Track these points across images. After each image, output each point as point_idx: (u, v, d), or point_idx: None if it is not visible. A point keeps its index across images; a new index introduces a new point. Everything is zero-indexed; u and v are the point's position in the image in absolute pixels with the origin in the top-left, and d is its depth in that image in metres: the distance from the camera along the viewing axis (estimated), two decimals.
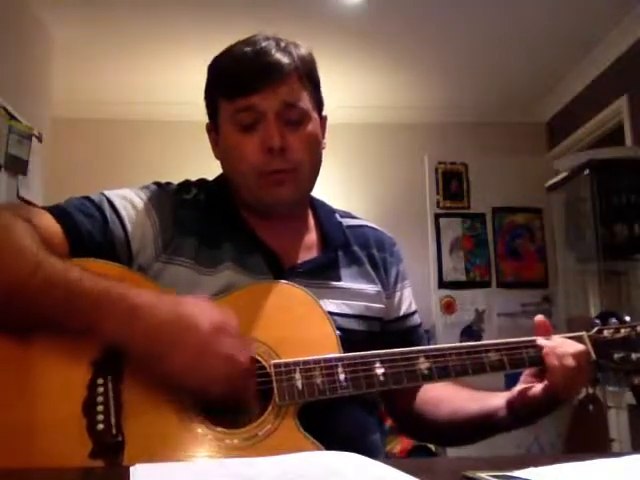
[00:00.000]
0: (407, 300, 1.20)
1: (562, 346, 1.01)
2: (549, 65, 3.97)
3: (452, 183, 4.20)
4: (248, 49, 1.04)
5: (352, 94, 4.32)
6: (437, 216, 4.17)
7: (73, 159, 4.22)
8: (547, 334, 1.05)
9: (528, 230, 4.19)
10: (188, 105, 4.25)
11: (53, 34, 3.49)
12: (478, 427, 1.09)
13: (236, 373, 0.85)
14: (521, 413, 1.03)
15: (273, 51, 1.04)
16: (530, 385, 1.03)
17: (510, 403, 1.04)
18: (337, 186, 4.19)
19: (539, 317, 1.08)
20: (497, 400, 1.07)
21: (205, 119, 1.16)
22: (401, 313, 1.18)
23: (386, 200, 4.43)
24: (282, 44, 1.06)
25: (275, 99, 1.02)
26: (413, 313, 1.21)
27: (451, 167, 4.22)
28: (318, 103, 1.11)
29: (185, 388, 0.85)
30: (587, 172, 3.35)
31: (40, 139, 3.14)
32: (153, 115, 4.45)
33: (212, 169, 1.18)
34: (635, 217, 3.25)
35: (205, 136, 1.17)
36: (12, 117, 2.85)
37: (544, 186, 3.87)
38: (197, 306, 0.87)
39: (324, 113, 1.14)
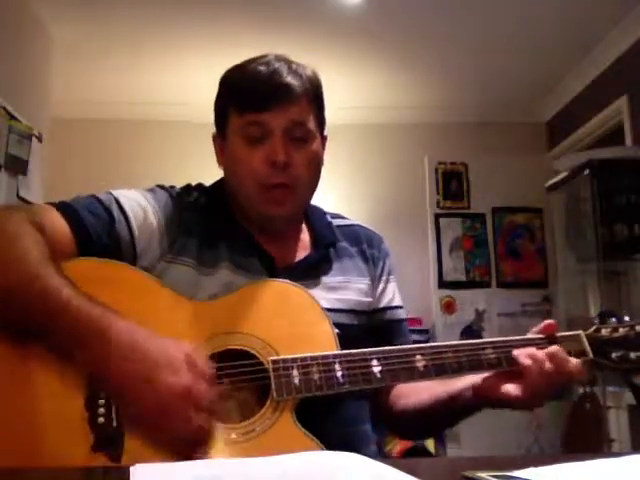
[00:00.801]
0: (390, 293, 1.22)
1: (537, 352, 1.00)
2: (549, 65, 3.97)
3: (452, 183, 4.20)
4: (262, 68, 1.09)
5: (352, 94, 4.32)
6: (437, 216, 4.17)
7: (73, 159, 4.23)
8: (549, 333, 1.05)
9: (528, 230, 4.20)
10: (187, 105, 4.26)
11: (53, 34, 3.49)
12: (443, 411, 1.09)
13: (190, 440, 0.80)
14: (487, 399, 1.03)
15: (285, 73, 1.09)
16: (501, 376, 1.02)
17: (475, 388, 1.04)
18: (338, 186, 4.19)
19: (550, 322, 1.07)
20: (460, 383, 1.07)
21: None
22: (381, 305, 1.20)
23: (386, 200, 4.43)
24: (293, 66, 1.11)
25: (284, 118, 1.07)
26: (396, 307, 1.23)
27: (451, 167, 4.23)
28: (321, 123, 1.16)
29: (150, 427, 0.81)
30: (587, 172, 3.35)
31: (40, 139, 3.15)
32: (153, 115, 4.45)
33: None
34: (635, 217, 3.25)
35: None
36: (12, 117, 2.86)
37: (544, 186, 3.87)
38: (171, 359, 0.81)
39: (325, 133, 1.19)
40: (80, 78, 4.06)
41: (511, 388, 1.00)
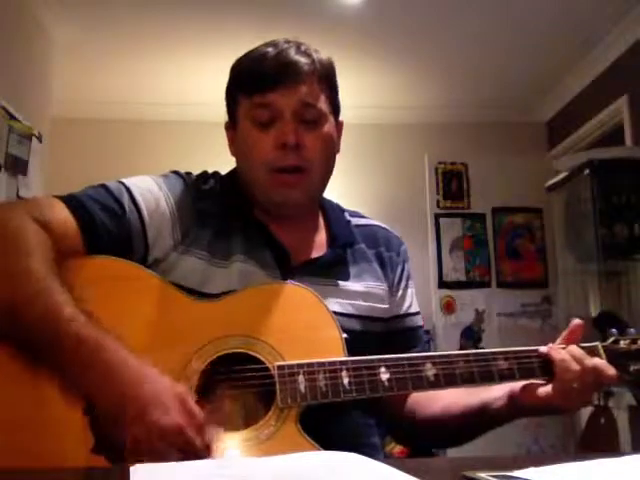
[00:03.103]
0: (408, 300, 1.19)
1: (572, 352, 0.99)
2: (549, 65, 3.96)
3: (452, 183, 4.20)
4: (269, 49, 1.06)
5: (352, 94, 4.32)
6: (437, 216, 4.17)
7: (73, 159, 4.22)
8: (572, 341, 1.03)
9: (528, 230, 4.20)
10: (188, 106, 4.25)
11: (53, 34, 3.48)
12: (473, 420, 1.06)
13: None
14: (523, 407, 1.02)
15: (293, 52, 1.06)
16: (539, 382, 1.01)
17: (512, 396, 1.02)
18: (337, 186, 4.18)
19: (577, 321, 1.05)
20: (494, 392, 1.05)
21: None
22: (401, 312, 1.17)
23: (386, 200, 4.43)
24: (303, 47, 1.08)
25: (292, 98, 1.04)
26: (414, 314, 1.20)
27: (451, 167, 4.22)
28: (335, 107, 1.12)
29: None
30: (587, 172, 3.35)
31: (40, 139, 3.14)
32: (153, 115, 4.44)
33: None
34: (635, 217, 3.25)
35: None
36: (12, 117, 2.85)
37: (544, 186, 3.86)
38: (162, 399, 0.80)
39: (340, 118, 1.15)
40: (80, 78, 4.06)
41: (543, 390, 0.98)
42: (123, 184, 1.03)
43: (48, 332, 0.82)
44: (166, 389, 0.81)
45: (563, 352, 1.00)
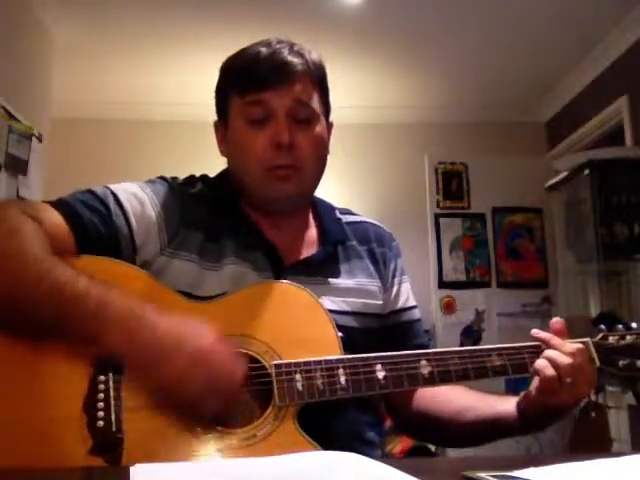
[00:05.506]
0: (404, 294, 1.20)
1: (562, 346, 1.01)
2: (549, 65, 3.97)
3: (452, 183, 4.20)
4: (262, 49, 1.07)
5: (352, 94, 4.32)
6: (437, 216, 4.17)
7: (73, 159, 4.22)
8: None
9: (528, 230, 4.19)
10: (188, 105, 4.25)
11: (53, 34, 3.48)
12: (488, 429, 1.08)
13: (228, 383, 0.87)
14: (530, 417, 1.02)
15: (286, 52, 1.07)
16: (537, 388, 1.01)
17: (519, 405, 1.04)
18: (337, 186, 4.19)
19: (556, 320, 1.06)
20: (508, 404, 1.06)
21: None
22: (397, 306, 1.18)
23: (386, 200, 4.43)
24: (295, 48, 1.09)
25: (286, 97, 1.05)
26: (411, 308, 1.21)
27: (451, 167, 4.22)
28: (326, 108, 1.14)
29: (180, 399, 0.85)
30: (587, 172, 3.35)
31: (40, 139, 3.14)
32: (153, 115, 4.45)
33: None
34: (635, 217, 3.25)
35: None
36: (12, 117, 2.85)
37: (544, 186, 3.86)
38: (192, 323, 0.89)
39: (330, 120, 1.16)
40: (80, 78, 4.06)
41: (536, 396, 1.00)
42: (108, 188, 1.04)
43: (61, 305, 0.84)
44: (194, 325, 0.88)
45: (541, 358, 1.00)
